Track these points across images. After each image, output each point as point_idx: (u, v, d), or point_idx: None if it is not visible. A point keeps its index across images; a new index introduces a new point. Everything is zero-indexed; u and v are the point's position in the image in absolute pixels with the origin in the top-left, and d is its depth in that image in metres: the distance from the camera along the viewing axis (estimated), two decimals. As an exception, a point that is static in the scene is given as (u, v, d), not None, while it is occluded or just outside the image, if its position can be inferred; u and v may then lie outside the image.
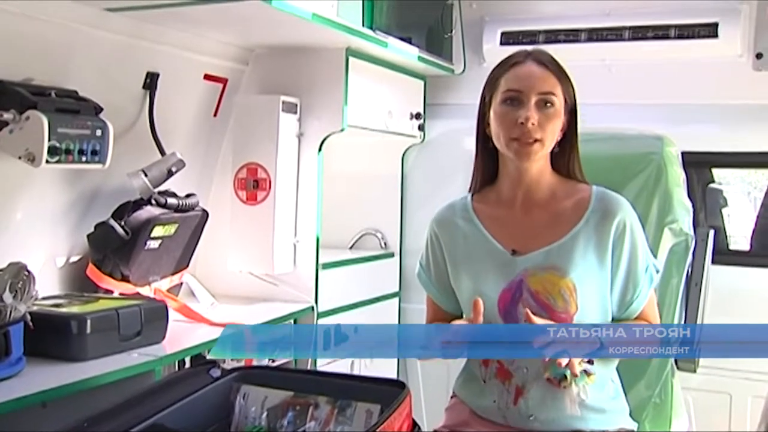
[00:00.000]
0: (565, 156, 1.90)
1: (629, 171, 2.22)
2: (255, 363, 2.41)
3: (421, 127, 3.41)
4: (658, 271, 1.92)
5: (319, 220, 2.88)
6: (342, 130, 2.84)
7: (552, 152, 1.88)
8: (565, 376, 1.79)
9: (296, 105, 2.83)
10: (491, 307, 1.81)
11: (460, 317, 1.91)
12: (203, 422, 1.57)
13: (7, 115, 2.04)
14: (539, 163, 1.86)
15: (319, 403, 1.54)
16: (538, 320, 1.70)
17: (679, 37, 3.03)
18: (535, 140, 1.79)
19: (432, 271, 1.99)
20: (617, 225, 1.83)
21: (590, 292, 1.82)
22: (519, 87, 1.82)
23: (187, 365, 2.16)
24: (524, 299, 1.80)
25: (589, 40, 3.18)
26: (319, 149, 2.86)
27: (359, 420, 1.49)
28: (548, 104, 1.81)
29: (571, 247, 1.82)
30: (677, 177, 2.22)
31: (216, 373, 1.65)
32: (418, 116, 3.37)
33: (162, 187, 2.52)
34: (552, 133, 1.82)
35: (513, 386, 1.83)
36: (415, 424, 1.46)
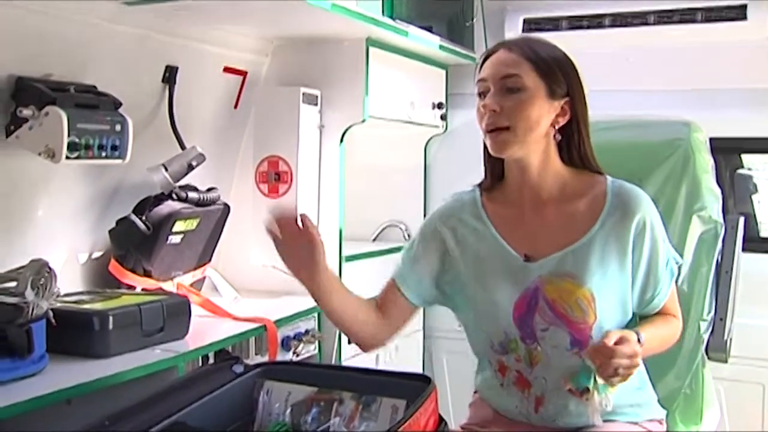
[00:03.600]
0: (572, 145, 1.78)
1: (656, 158, 2.17)
2: (278, 358, 2.41)
3: (443, 117, 3.37)
4: (678, 263, 1.84)
5: (342, 212, 2.86)
6: (363, 121, 2.81)
7: (559, 144, 1.77)
8: (588, 389, 1.66)
9: (317, 96, 2.81)
10: (505, 316, 1.73)
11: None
12: (226, 419, 1.55)
13: (26, 111, 2.04)
14: (536, 156, 1.74)
15: (344, 399, 1.51)
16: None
17: (707, 20, 2.97)
18: (504, 128, 1.69)
19: (420, 263, 1.86)
20: (637, 224, 1.72)
21: (609, 299, 1.72)
22: (484, 76, 1.74)
23: (211, 361, 2.14)
24: (540, 308, 1.71)
25: (613, 25, 3.13)
26: (341, 141, 2.84)
27: (384, 416, 1.46)
28: (513, 88, 1.69)
29: (587, 253, 1.71)
30: (705, 163, 2.18)
31: (239, 369, 1.63)
32: (440, 106, 3.34)
33: (183, 182, 2.51)
34: (525, 120, 1.69)
35: (533, 396, 1.76)
36: (441, 419, 1.43)
